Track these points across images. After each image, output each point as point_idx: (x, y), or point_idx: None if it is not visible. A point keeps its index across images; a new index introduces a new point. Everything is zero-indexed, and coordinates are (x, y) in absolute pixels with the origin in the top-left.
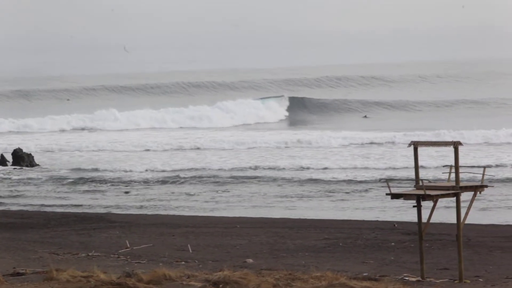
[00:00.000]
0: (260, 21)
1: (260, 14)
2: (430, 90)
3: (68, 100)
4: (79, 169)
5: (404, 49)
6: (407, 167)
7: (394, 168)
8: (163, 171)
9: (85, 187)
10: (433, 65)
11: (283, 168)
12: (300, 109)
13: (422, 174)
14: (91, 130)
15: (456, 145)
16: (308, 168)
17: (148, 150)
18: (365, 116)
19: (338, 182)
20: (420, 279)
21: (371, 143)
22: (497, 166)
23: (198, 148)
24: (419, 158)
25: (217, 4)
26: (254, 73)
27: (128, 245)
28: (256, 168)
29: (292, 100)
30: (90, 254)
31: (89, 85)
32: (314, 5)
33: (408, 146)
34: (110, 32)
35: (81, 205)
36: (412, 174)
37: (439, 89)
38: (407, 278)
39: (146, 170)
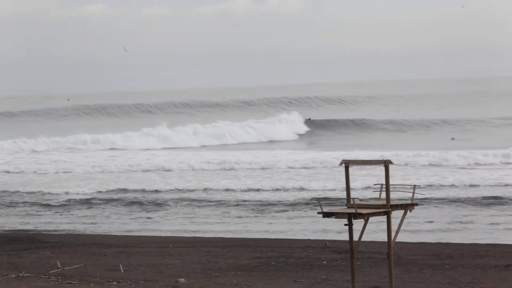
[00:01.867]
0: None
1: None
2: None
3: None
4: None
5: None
6: (355, 188)
7: (329, 189)
8: (101, 191)
9: (17, 209)
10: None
11: (218, 189)
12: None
13: (366, 193)
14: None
15: (386, 163)
16: (242, 190)
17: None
18: (309, 118)
19: (270, 202)
20: None
21: (313, 164)
22: (430, 186)
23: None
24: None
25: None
26: (253, 92)
27: (59, 266)
28: (191, 190)
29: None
30: (20, 275)
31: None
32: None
33: (339, 165)
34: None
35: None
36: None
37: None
38: None
39: (97, 191)
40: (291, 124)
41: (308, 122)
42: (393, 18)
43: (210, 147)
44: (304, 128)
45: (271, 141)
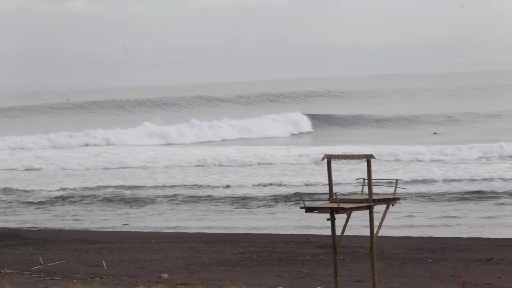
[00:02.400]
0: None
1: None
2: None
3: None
4: None
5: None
6: (339, 183)
7: (312, 184)
8: (84, 188)
9: None
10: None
11: (201, 185)
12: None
13: (350, 188)
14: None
15: (368, 158)
16: (226, 185)
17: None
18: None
19: (253, 197)
20: None
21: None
22: (413, 181)
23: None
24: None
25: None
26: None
27: (42, 262)
28: (173, 185)
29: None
30: (2, 271)
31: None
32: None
33: (321, 160)
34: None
35: None
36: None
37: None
38: None
39: (80, 187)
40: (284, 119)
41: (301, 116)
42: (389, 12)
43: (202, 143)
44: (297, 123)
45: (263, 137)
